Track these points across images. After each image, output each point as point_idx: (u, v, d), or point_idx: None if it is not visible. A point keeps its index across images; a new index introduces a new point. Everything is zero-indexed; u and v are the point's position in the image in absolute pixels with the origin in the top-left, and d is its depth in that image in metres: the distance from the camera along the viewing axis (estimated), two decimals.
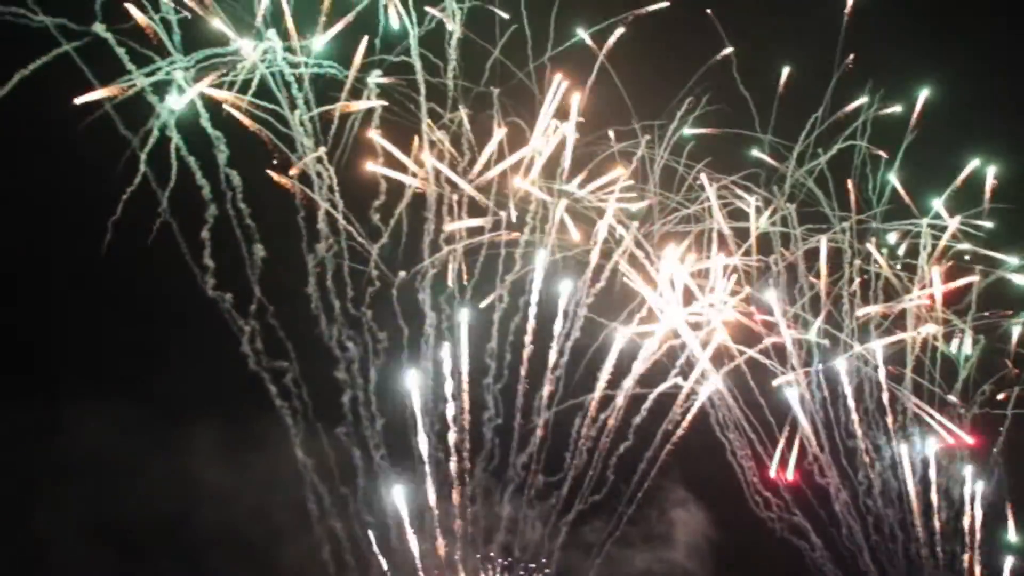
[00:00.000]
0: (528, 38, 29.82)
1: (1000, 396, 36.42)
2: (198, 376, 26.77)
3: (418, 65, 28.15)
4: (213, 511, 26.31)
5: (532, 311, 29.85)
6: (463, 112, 29.11)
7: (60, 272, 26.05)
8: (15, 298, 25.57)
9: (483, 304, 30.46)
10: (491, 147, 30.15)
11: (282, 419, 28.00)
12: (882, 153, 35.24)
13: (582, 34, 30.42)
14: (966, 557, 35.30)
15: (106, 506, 25.64)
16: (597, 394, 30.98)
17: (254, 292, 26.83)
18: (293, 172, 26.57)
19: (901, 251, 36.37)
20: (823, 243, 34.60)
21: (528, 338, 30.25)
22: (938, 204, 36.27)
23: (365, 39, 27.91)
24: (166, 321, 26.84)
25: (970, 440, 35.18)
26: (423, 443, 28.83)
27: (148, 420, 25.99)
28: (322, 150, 27.23)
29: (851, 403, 34.92)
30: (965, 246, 36.53)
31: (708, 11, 33.15)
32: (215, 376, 26.83)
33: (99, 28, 24.12)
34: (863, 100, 35.32)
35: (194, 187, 25.72)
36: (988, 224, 36.19)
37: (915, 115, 35.40)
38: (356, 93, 27.87)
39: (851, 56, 34.38)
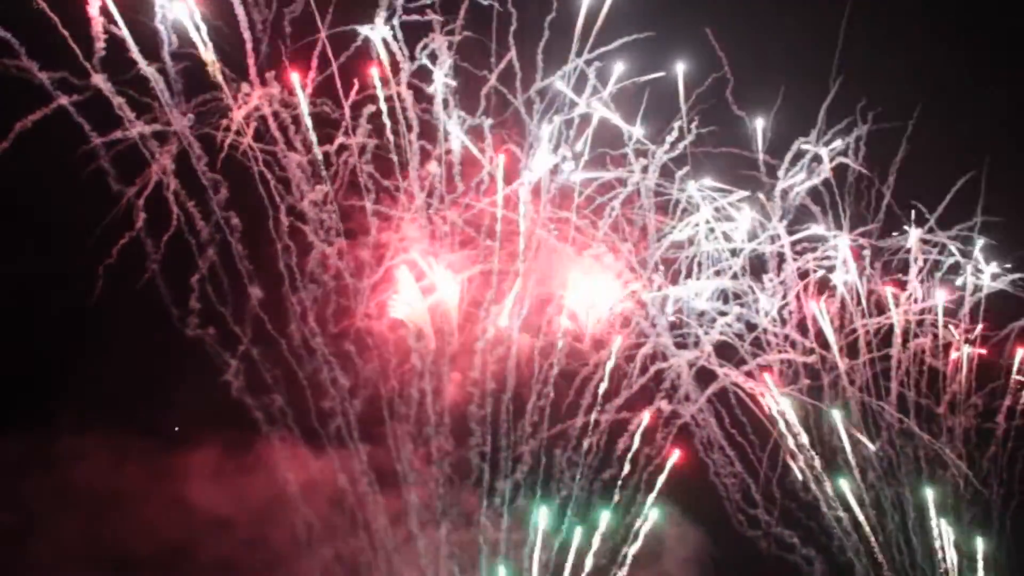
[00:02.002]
0: (517, 70, 31.07)
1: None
2: (192, 407, 28.51)
3: (409, 101, 29.43)
4: (208, 537, 28.16)
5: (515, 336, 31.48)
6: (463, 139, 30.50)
7: (59, 309, 27.81)
8: (16, 332, 27.21)
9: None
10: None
11: (272, 446, 29.73)
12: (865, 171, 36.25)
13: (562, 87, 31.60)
14: None
15: (104, 534, 27.48)
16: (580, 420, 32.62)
17: (245, 328, 28.47)
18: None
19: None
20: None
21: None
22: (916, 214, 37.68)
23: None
24: (161, 355, 28.46)
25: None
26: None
27: (143, 450, 27.66)
28: (319, 189, 28.76)
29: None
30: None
31: (708, 30, 34.24)
32: (208, 406, 28.57)
33: (98, 80, 25.48)
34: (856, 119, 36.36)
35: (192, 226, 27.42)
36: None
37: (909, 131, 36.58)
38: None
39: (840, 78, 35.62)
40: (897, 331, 37.56)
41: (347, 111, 29.34)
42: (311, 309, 29.79)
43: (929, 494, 37.29)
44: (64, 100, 25.73)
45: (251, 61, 27.74)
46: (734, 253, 35.94)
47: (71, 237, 27.46)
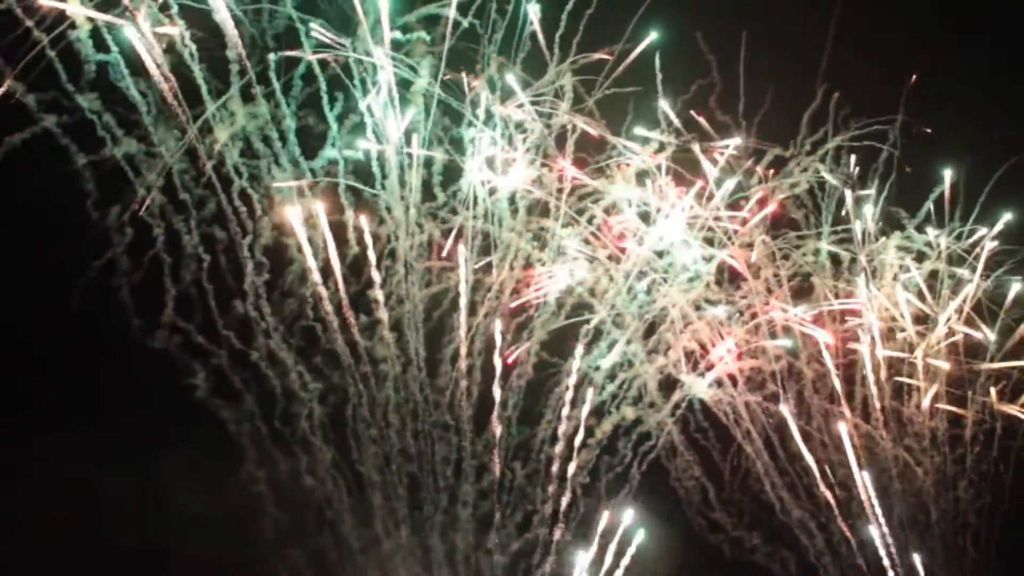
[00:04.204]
0: (498, 86, 33.30)
1: None
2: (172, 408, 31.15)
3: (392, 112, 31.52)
4: (188, 537, 30.99)
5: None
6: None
7: (41, 316, 30.11)
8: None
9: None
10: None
11: (243, 448, 32.51)
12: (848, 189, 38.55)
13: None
14: None
15: (85, 533, 30.16)
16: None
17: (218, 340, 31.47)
18: None
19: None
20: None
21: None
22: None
23: None
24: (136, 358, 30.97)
25: None
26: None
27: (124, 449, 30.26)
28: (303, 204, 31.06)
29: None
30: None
31: (698, 33, 36.60)
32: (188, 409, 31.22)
33: (85, 100, 27.48)
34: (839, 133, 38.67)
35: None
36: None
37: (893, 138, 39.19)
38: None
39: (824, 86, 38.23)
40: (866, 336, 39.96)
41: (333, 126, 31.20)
42: (280, 322, 32.04)
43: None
44: (51, 120, 27.51)
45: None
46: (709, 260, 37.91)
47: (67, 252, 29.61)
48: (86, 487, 30.91)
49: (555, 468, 35.89)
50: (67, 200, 28.90)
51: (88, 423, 30.74)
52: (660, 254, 37.77)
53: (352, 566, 34.12)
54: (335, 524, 34.18)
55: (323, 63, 31.27)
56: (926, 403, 40.14)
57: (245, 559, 32.51)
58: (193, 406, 31.77)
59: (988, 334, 40.61)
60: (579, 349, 36.07)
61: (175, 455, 31.45)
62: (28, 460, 30.25)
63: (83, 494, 30.95)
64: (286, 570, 33.41)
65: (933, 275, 40.92)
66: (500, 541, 35.15)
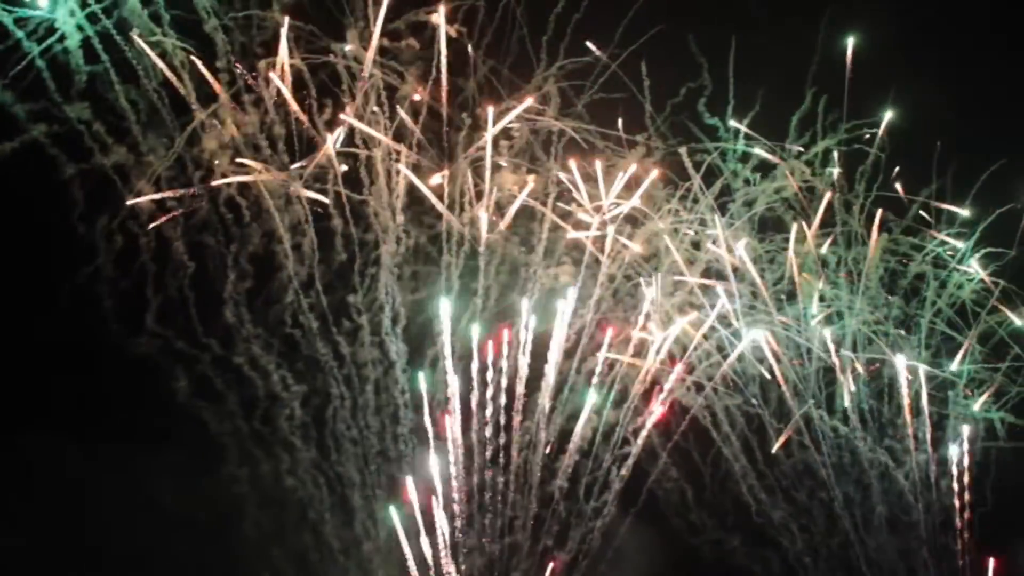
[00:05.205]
0: (484, 89, 34.40)
1: None
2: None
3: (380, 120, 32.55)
4: (171, 537, 32.28)
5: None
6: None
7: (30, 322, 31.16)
8: None
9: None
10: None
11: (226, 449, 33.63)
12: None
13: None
14: None
15: (69, 533, 31.34)
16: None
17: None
18: None
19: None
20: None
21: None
22: None
23: None
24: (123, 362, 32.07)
25: None
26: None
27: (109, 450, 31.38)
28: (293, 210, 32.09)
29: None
30: None
31: (689, 36, 37.44)
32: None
33: (74, 110, 28.39)
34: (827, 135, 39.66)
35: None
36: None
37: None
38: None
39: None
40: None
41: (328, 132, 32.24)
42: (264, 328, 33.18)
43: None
44: (41, 131, 28.41)
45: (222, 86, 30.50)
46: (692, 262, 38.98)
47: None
48: (71, 488, 32.06)
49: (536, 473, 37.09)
50: (57, 206, 29.77)
51: (74, 425, 31.90)
52: (647, 258, 38.87)
53: (334, 566, 35.28)
54: (316, 524, 35.26)
55: (312, 70, 32.15)
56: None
57: (227, 558, 33.64)
58: (178, 408, 32.80)
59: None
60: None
61: (159, 456, 32.67)
62: (13, 462, 31.32)
63: (68, 495, 32.11)
64: (268, 570, 34.57)
65: (919, 277, 42.15)
66: (479, 543, 36.25)
